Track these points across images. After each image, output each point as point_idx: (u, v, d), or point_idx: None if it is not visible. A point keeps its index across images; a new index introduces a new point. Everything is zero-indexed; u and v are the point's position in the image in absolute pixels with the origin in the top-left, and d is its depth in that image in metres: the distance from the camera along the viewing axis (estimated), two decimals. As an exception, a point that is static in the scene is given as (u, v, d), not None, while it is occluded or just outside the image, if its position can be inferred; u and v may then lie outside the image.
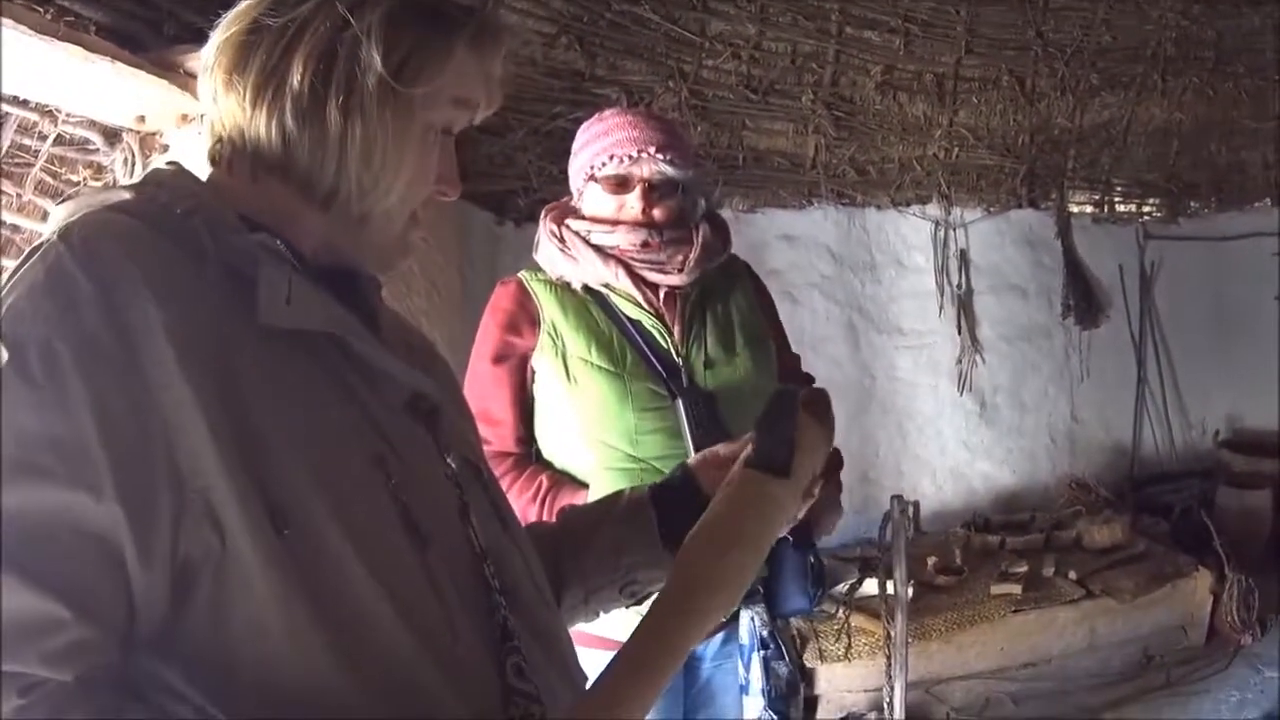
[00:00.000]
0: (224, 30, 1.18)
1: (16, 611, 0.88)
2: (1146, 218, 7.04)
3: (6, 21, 2.36)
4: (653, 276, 2.58)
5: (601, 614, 1.62)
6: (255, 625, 0.98)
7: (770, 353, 2.70)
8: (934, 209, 6.31)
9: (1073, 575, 5.33)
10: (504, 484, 2.40)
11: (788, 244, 5.95)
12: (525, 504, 2.50)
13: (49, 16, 2.54)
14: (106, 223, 1.04)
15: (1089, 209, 6.88)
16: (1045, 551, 5.66)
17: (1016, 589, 5.15)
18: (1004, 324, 6.55)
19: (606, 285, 2.60)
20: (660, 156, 2.51)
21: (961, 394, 6.46)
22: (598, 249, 2.57)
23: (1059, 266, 6.64)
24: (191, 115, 3.00)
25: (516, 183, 5.04)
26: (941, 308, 6.35)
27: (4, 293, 1.00)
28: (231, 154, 1.20)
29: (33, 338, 0.95)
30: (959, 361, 6.42)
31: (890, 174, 6.18)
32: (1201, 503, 6.22)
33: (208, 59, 1.19)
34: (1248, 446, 6.79)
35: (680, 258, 2.56)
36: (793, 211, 5.99)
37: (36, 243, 1.03)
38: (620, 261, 2.56)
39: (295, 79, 1.13)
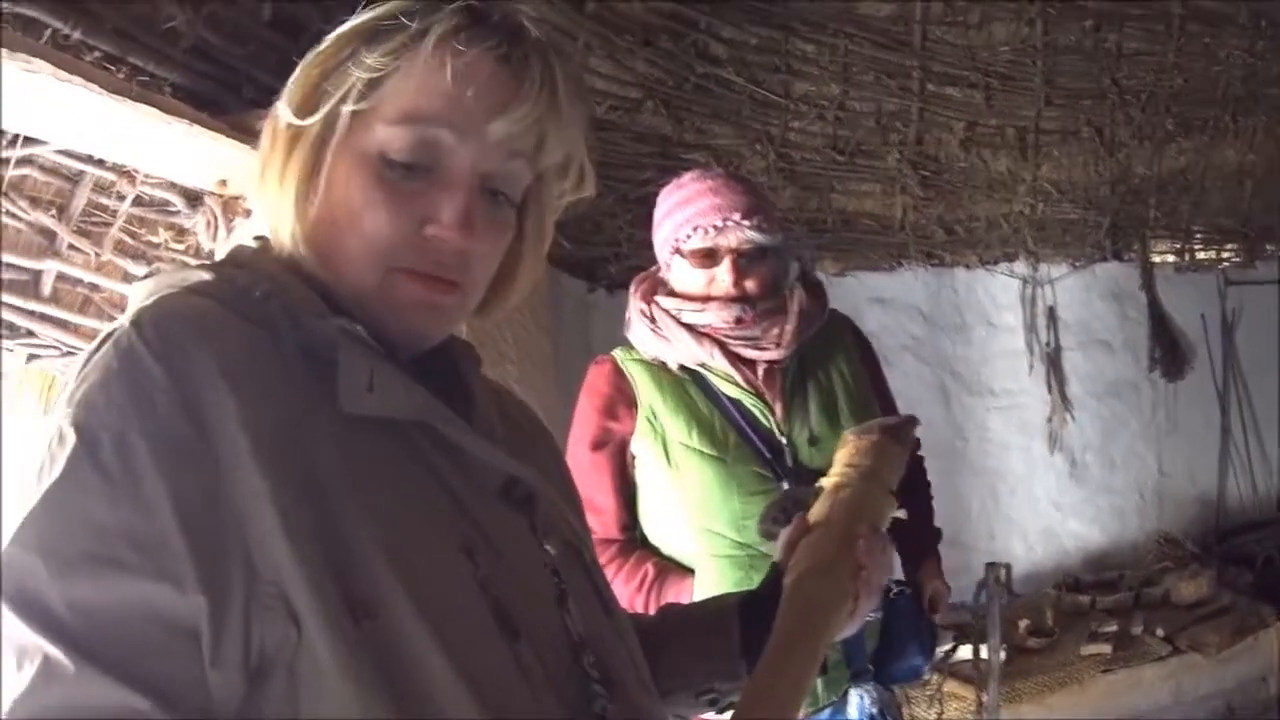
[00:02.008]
0: None
1: (99, 705, 0.85)
2: (1226, 264, 6.86)
3: (75, 78, 2.29)
4: (749, 353, 2.48)
5: (683, 716, 1.58)
6: (332, 717, 0.93)
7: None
8: (1021, 266, 6.15)
9: (1160, 632, 5.26)
10: (609, 571, 2.33)
11: (879, 307, 5.79)
12: (631, 593, 2.43)
13: (123, 76, 2.49)
14: (182, 308, 1.02)
15: (1170, 258, 6.71)
16: (1135, 609, 5.57)
17: (1106, 649, 5.08)
18: (1092, 380, 6.38)
19: (703, 365, 2.50)
20: (746, 223, 2.39)
21: (1053, 453, 6.25)
22: (690, 328, 2.47)
23: (1144, 319, 6.48)
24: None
25: (607, 249, 4.91)
26: (1031, 366, 6.17)
27: (78, 380, 0.97)
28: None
29: (107, 430, 0.92)
30: (1049, 420, 6.22)
31: (977, 232, 6.03)
32: (1285, 551, 6.02)
33: None
34: (1332, 493, 6.54)
35: (776, 331, 2.46)
36: (883, 274, 5.84)
37: (110, 328, 1.00)
38: (715, 340, 2.46)
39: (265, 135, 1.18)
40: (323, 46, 1.14)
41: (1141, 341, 6.49)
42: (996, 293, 6.13)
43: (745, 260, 2.43)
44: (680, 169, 4.52)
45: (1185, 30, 5.97)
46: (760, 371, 2.47)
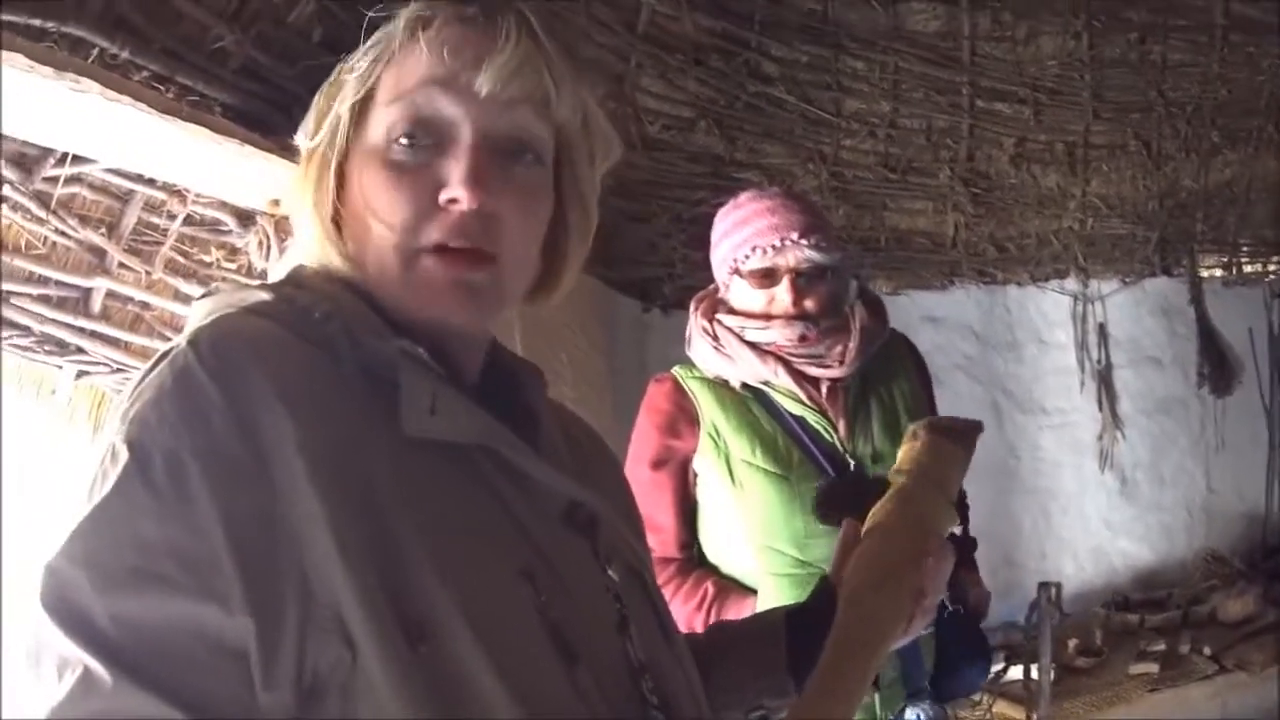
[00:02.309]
0: None
1: (130, 715, 0.84)
2: (1272, 276, 6.75)
3: (125, 99, 2.31)
4: (813, 371, 2.47)
5: None
6: None
7: None
8: (1071, 283, 6.07)
9: (1207, 650, 5.22)
10: (667, 591, 2.36)
11: (932, 326, 5.73)
12: (690, 612, 2.42)
13: (171, 95, 2.49)
14: (240, 328, 1.02)
15: (1218, 272, 6.61)
16: (1182, 628, 5.52)
17: (1154, 668, 5.03)
18: (1142, 397, 6.29)
19: (766, 383, 2.49)
20: (805, 242, 2.38)
21: (1103, 471, 6.16)
22: (753, 346, 2.46)
23: (1192, 334, 6.37)
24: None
25: (661, 269, 4.86)
26: (1083, 384, 6.08)
27: (133, 397, 0.96)
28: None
29: (159, 448, 0.92)
30: (1100, 438, 6.12)
31: (1028, 249, 5.97)
32: (1334, 568, 5.98)
33: None
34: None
35: (839, 348, 2.45)
36: (935, 292, 5.78)
37: (167, 346, 1.00)
38: (778, 358, 2.44)
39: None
40: (330, 78, 1.18)
41: (1190, 357, 6.39)
42: (1048, 310, 6.07)
43: (804, 279, 2.42)
44: (733, 188, 4.50)
45: (1228, 40, 5.89)
46: (824, 389, 2.46)
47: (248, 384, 0.95)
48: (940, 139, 5.52)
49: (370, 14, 1.16)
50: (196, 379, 0.94)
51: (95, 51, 2.33)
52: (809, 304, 2.42)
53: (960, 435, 1.55)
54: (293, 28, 2.92)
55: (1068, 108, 5.74)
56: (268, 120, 2.76)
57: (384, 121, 1.11)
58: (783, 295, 2.41)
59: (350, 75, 1.14)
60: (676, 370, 2.59)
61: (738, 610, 2.36)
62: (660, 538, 2.48)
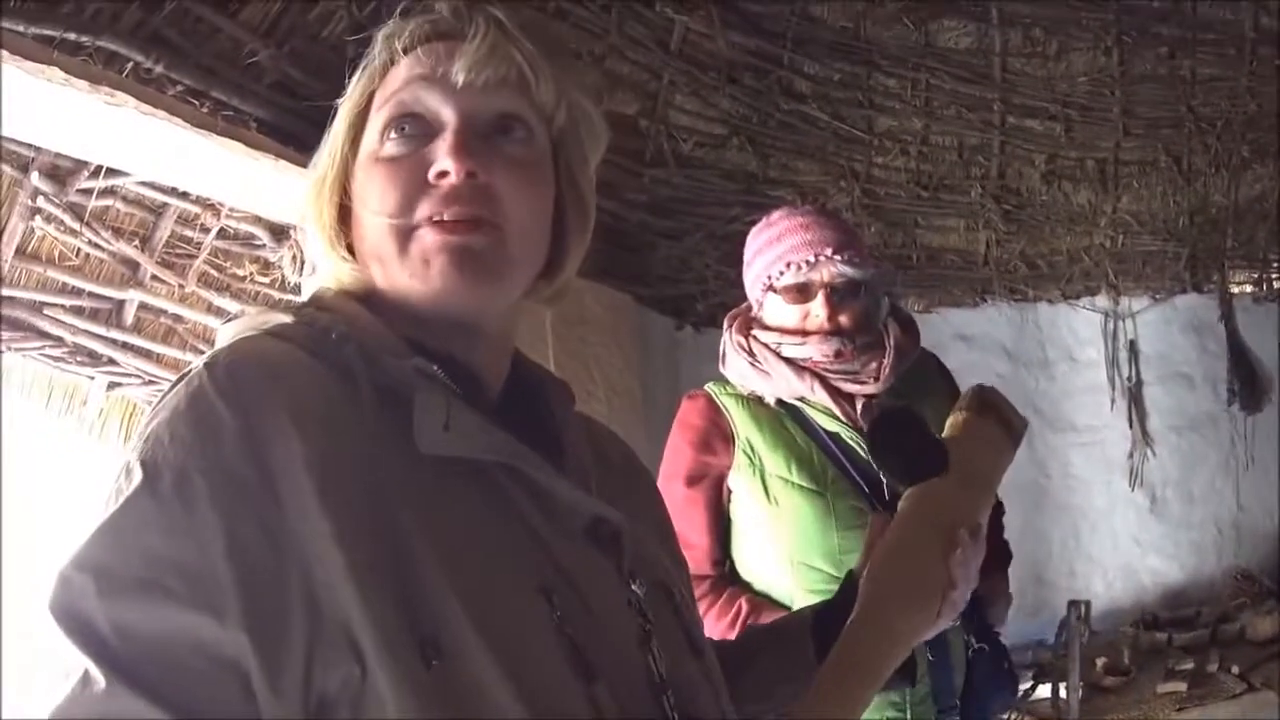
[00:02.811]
0: None
1: (120, 716, 0.86)
2: None
3: (159, 112, 2.37)
4: (848, 387, 2.47)
5: None
6: None
7: None
8: (1102, 300, 6.01)
9: (1235, 669, 5.06)
10: (700, 606, 2.32)
11: (964, 344, 5.71)
12: (724, 629, 2.40)
13: (206, 110, 2.54)
14: (257, 350, 1.05)
15: (1249, 288, 6.50)
16: (1211, 646, 5.39)
17: (1182, 687, 4.90)
18: (1172, 414, 6.19)
19: (801, 399, 2.50)
20: (839, 258, 2.38)
21: (1133, 489, 6.07)
22: (790, 362, 2.46)
23: (1223, 351, 6.27)
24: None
25: (694, 286, 4.88)
26: (1113, 401, 6.00)
27: (151, 416, 0.99)
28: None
29: (169, 464, 0.94)
30: (1130, 456, 6.04)
31: (1060, 266, 5.93)
32: (1362, 586, 5.93)
33: None
34: None
35: (875, 365, 2.45)
36: (967, 310, 5.77)
37: (186, 369, 1.03)
38: (814, 374, 2.45)
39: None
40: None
41: (1220, 374, 6.29)
42: (1078, 327, 6.02)
43: (839, 295, 2.43)
44: (766, 205, 4.48)
45: (1256, 54, 5.82)
46: (859, 406, 2.46)
47: (259, 405, 0.97)
48: (971, 156, 5.51)
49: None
50: (208, 400, 0.97)
51: (130, 65, 2.36)
52: (844, 319, 2.43)
53: (1007, 420, 1.55)
54: (326, 43, 2.96)
55: (1098, 124, 5.70)
56: (301, 136, 2.79)
57: (375, 126, 1.17)
58: (818, 310, 2.41)
59: (344, 101, 1.21)
60: (710, 387, 2.60)
61: None
62: (693, 554, 2.42)
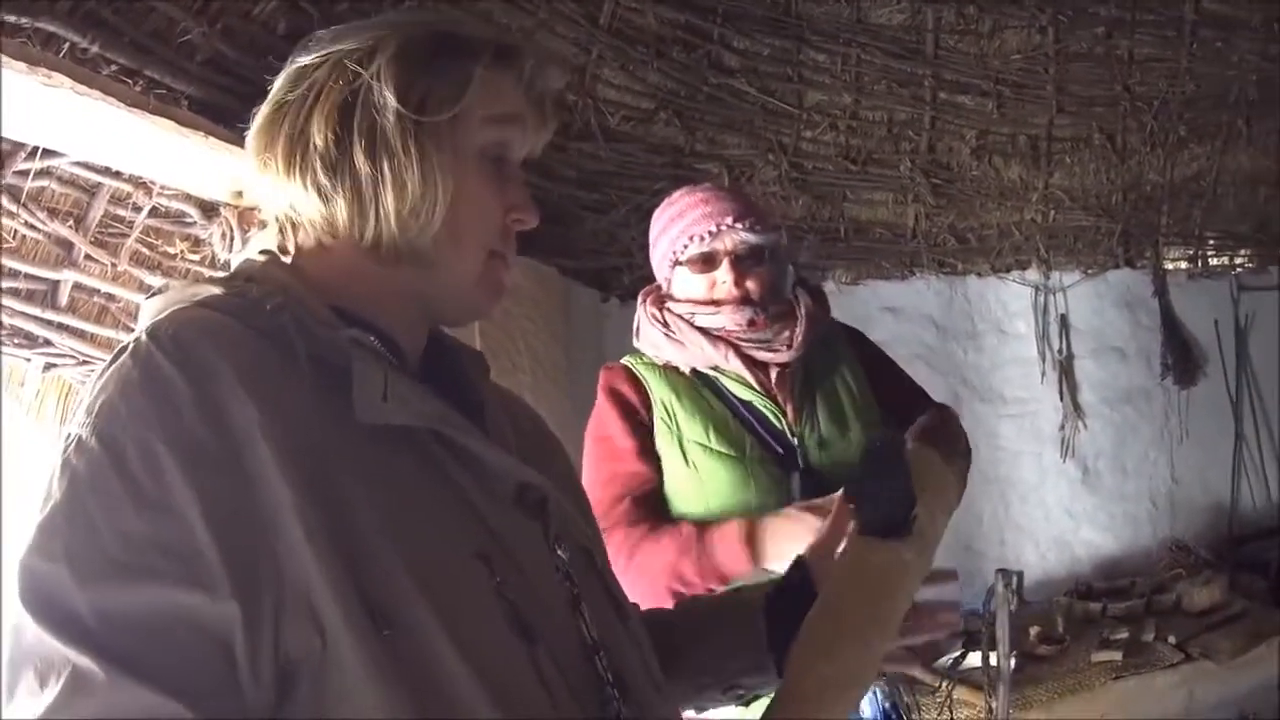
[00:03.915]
0: (254, 120, 1.23)
1: (136, 713, 0.86)
2: (1240, 269, 6.84)
3: (94, 92, 2.39)
4: (762, 355, 2.53)
5: (703, 710, 1.64)
6: None
7: (878, 422, 2.57)
8: (1033, 274, 6.17)
9: (1172, 639, 5.20)
10: (651, 542, 2.35)
11: (891, 316, 5.84)
12: (677, 556, 2.32)
13: (139, 89, 2.58)
14: (197, 319, 1.04)
15: (1183, 265, 6.69)
16: (1146, 616, 5.52)
17: (1117, 656, 5.02)
18: (1105, 387, 6.37)
19: (715, 368, 2.55)
20: (740, 226, 2.45)
21: (1065, 461, 6.26)
22: (704, 331, 2.52)
23: (1156, 326, 6.46)
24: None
25: (620, 259, 4.96)
26: (1044, 374, 6.18)
27: (95, 392, 0.98)
28: (294, 232, 1.23)
29: (131, 439, 0.93)
30: (1061, 428, 6.23)
31: (989, 240, 6.06)
32: (1300, 556, 6.01)
33: (247, 152, 1.24)
34: (1347, 496, 6.51)
35: (787, 333, 2.52)
36: (895, 283, 5.89)
37: (125, 341, 1.02)
38: (728, 343, 2.50)
39: (317, 138, 1.16)
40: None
41: (1154, 348, 6.48)
42: (1008, 300, 6.16)
43: (743, 262, 2.49)
44: (693, 179, 4.66)
45: (1197, 36, 5.96)
46: (773, 374, 2.52)
47: (212, 372, 0.97)
48: (902, 131, 5.61)
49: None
50: (162, 369, 0.97)
51: (66, 46, 2.43)
52: (750, 285, 2.49)
53: (928, 433, 1.59)
54: (258, 20, 3.05)
55: (1031, 101, 5.82)
56: (233, 113, 2.79)
57: (486, 134, 1.23)
58: (724, 278, 2.48)
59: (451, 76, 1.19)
60: (625, 359, 2.66)
61: (723, 537, 2.31)
62: (639, 480, 2.49)
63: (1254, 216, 6.76)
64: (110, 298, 3.30)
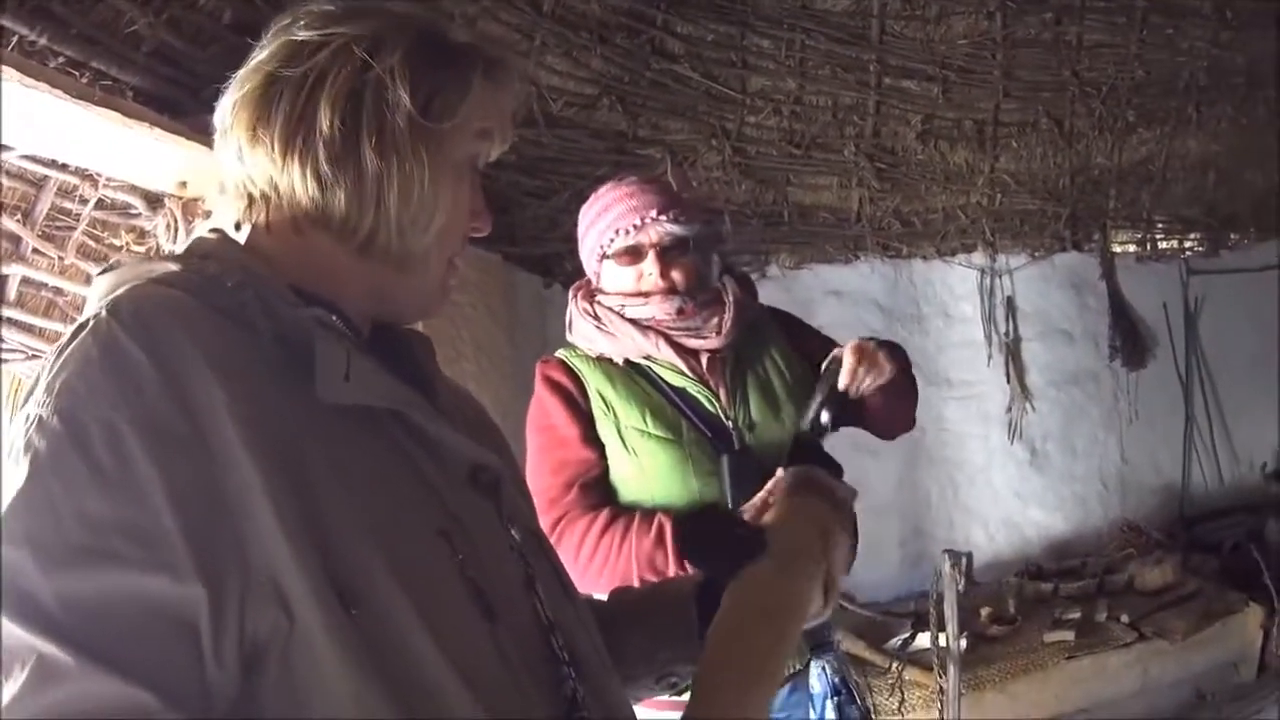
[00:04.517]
0: (238, 88, 1.18)
1: (104, 701, 0.85)
2: (1189, 253, 7.00)
3: (41, 84, 2.38)
4: (692, 343, 2.60)
5: (641, 698, 1.59)
6: (327, 706, 0.95)
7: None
8: (979, 257, 6.29)
9: (1125, 619, 5.32)
10: (615, 531, 2.40)
11: (835, 299, 5.94)
12: (651, 549, 2.37)
13: (85, 81, 2.59)
14: (157, 296, 1.02)
15: (1132, 248, 6.84)
16: (1098, 596, 5.64)
17: (1069, 635, 5.14)
18: (1052, 370, 6.51)
19: (648, 357, 2.62)
20: (664, 218, 2.52)
21: (1012, 443, 6.40)
22: (634, 322, 2.59)
23: (1104, 308, 6.61)
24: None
25: (562, 245, 4.99)
26: (990, 356, 6.31)
27: (53, 370, 0.96)
28: (268, 212, 1.19)
29: (94, 418, 0.92)
30: (1009, 410, 6.36)
31: (935, 224, 6.17)
32: (1251, 537, 6.18)
33: (224, 120, 1.19)
34: (1297, 478, 6.55)
35: (716, 320, 2.59)
36: (839, 266, 5.99)
37: (83, 319, 1.00)
38: (658, 332, 2.58)
39: (324, 124, 1.13)
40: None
41: (1102, 331, 6.61)
42: (954, 284, 6.27)
43: (668, 254, 2.56)
44: (636, 165, 4.71)
45: (1147, 22, 6.07)
46: (703, 361, 2.60)
47: (175, 350, 0.96)
48: (846, 116, 5.69)
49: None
50: (124, 346, 0.94)
51: (15, 39, 2.45)
52: (676, 275, 2.55)
53: (831, 494, 1.62)
54: (204, 10, 3.06)
55: (978, 86, 5.93)
56: (179, 103, 2.89)
57: (472, 146, 1.26)
58: (649, 269, 2.54)
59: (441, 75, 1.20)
60: (559, 353, 2.71)
61: (649, 524, 2.39)
62: (587, 466, 2.55)
63: (1203, 201, 6.91)
64: (58, 291, 3.30)
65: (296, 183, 1.15)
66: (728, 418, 2.55)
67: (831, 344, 2.74)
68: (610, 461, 2.57)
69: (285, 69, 1.15)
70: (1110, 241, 6.68)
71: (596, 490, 2.54)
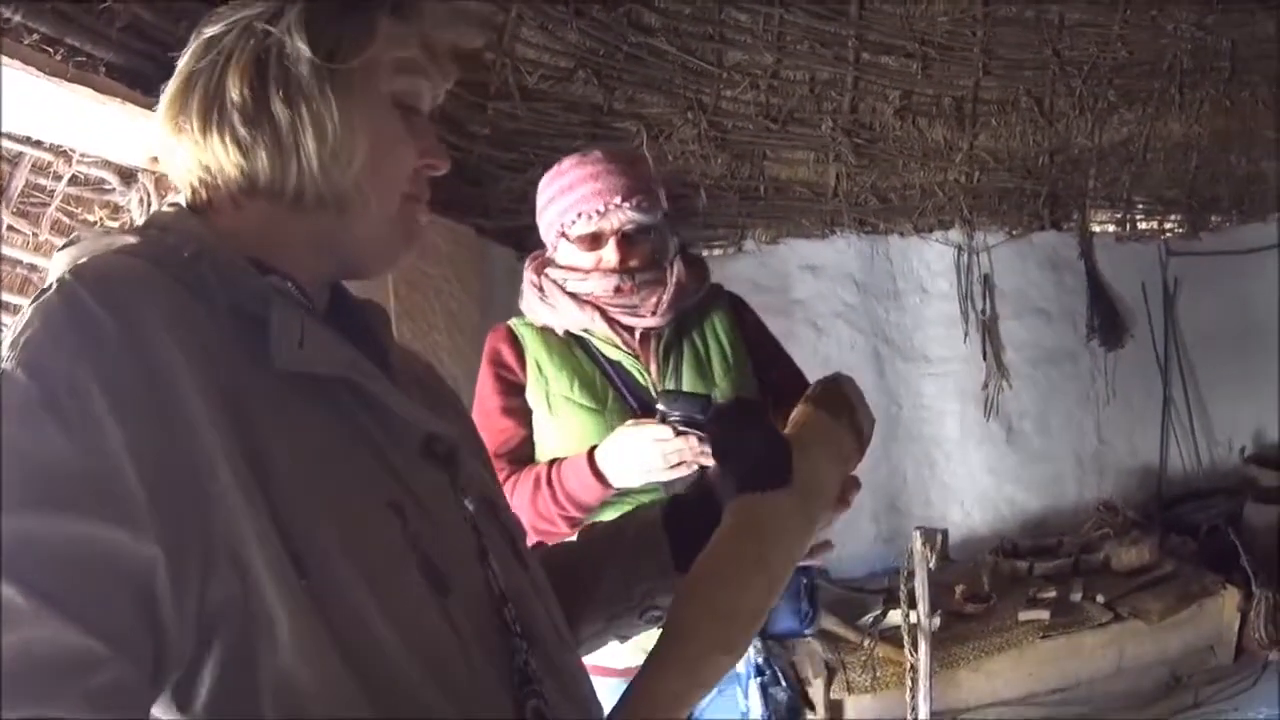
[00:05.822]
0: (164, 94, 1.24)
1: (54, 646, 0.85)
2: (1168, 234, 7.04)
3: (14, 62, 2.41)
4: (627, 320, 2.69)
5: (627, 638, 1.61)
6: (281, 674, 0.97)
7: (750, 384, 2.75)
8: (956, 234, 6.33)
9: (1101, 599, 5.38)
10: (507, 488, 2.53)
11: (811, 274, 5.99)
12: (530, 494, 2.56)
13: (59, 57, 2.60)
14: (119, 264, 1.04)
15: (1111, 228, 6.89)
16: (1074, 575, 5.70)
17: (1044, 614, 5.20)
18: (1029, 348, 6.56)
19: (585, 330, 2.72)
20: (628, 205, 2.59)
21: (988, 420, 6.46)
22: (574, 296, 2.68)
23: (1082, 288, 6.66)
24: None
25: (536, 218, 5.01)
26: (966, 334, 6.36)
27: (19, 330, 0.97)
28: (207, 193, 1.23)
29: (58, 372, 0.93)
30: (985, 387, 6.42)
31: (912, 200, 6.22)
32: (1229, 520, 6.24)
33: (157, 125, 1.25)
34: (1275, 461, 6.74)
35: (654, 300, 2.66)
36: (816, 241, 6.04)
37: (47, 283, 1.01)
38: (596, 307, 2.66)
39: (234, 94, 1.18)
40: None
41: (1080, 310, 6.65)
42: (931, 260, 6.31)
43: (629, 240, 2.64)
44: (610, 138, 4.75)
45: (1131, 2, 6.11)
46: (638, 335, 2.69)
47: (138, 314, 0.97)
48: (824, 91, 5.74)
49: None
50: (87, 306, 0.96)
51: None
52: (633, 261, 2.64)
53: (859, 425, 1.56)
54: None
55: (958, 63, 5.99)
56: (151, 79, 2.82)
57: (396, 82, 1.27)
58: (609, 256, 2.63)
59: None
60: (510, 321, 2.82)
61: (570, 466, 2.53)
62: (505, 437, 2.69)
63: (1184, 182, 6.95)
64: (33, 268, 3.36)
65: (220, 154, 1.19)
66: (657, 392, 2.61)
67: (783, 357, 2.90)
68: (535, 427, 2.70)
69: (198, 63, 1.21)
70: (1089, 221, 6.74)
71: (513, 460, 2.68)
